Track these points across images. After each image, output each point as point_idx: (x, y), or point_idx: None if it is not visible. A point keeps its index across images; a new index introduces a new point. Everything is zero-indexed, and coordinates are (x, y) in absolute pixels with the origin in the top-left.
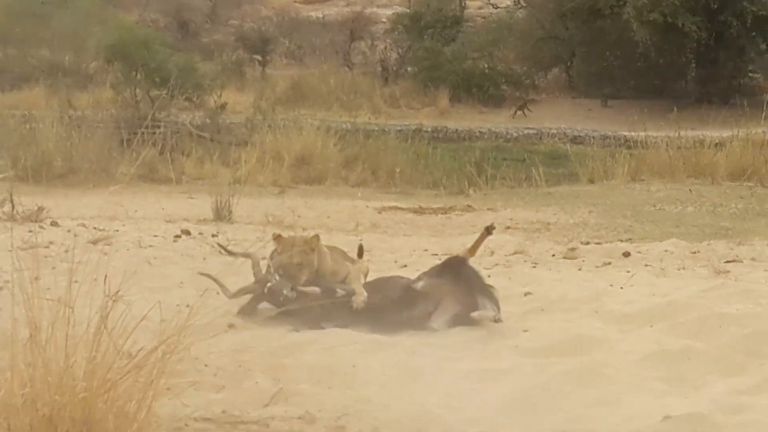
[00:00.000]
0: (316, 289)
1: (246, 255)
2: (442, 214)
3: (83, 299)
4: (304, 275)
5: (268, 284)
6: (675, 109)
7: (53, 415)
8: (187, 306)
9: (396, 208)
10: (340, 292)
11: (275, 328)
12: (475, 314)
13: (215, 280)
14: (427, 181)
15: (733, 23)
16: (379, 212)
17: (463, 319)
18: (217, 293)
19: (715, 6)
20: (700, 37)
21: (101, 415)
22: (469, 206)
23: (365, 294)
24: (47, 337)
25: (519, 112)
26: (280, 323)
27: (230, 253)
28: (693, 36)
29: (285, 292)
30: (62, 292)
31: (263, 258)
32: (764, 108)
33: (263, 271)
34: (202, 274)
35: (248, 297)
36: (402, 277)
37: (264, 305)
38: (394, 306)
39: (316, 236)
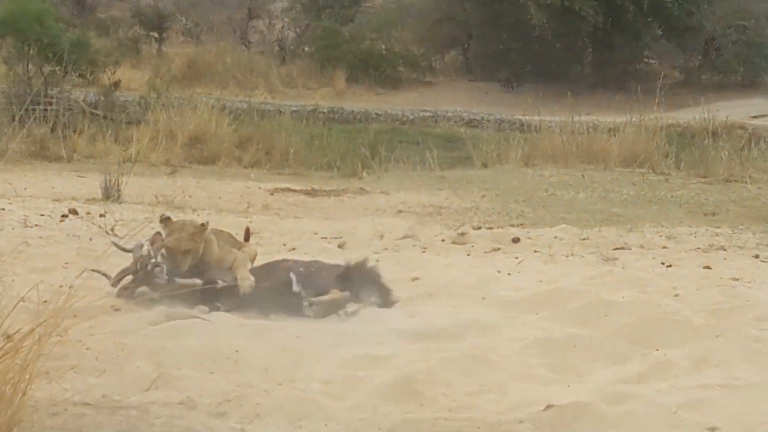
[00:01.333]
0: (197, 281)
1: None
2: (334, 196)
3: None
4: (187, 262)
5: (147, 266)
6: (569, 93)
7: None
8: (70, 287)
9: (288, 189)
10: (221, 283)
11: (159, 311)
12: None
13: (103, 274)
14: (321, 162)
15: (630, 8)
16: (272, 194)
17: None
18: (103, 275)
19: None
20: (596, 21)
21: None
22: (362, 189)
23: (252, 279)
24: None
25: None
26: (164, 306)
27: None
28: (589, 20)
29: (158, 278)
30: None
31: (146, 239)
32: (658, 94)
33: (144, 252)
34: (93, 270)
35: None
36: (290, 261)
37: (142, 289)
38: (277, 291)
39: (205, 225)
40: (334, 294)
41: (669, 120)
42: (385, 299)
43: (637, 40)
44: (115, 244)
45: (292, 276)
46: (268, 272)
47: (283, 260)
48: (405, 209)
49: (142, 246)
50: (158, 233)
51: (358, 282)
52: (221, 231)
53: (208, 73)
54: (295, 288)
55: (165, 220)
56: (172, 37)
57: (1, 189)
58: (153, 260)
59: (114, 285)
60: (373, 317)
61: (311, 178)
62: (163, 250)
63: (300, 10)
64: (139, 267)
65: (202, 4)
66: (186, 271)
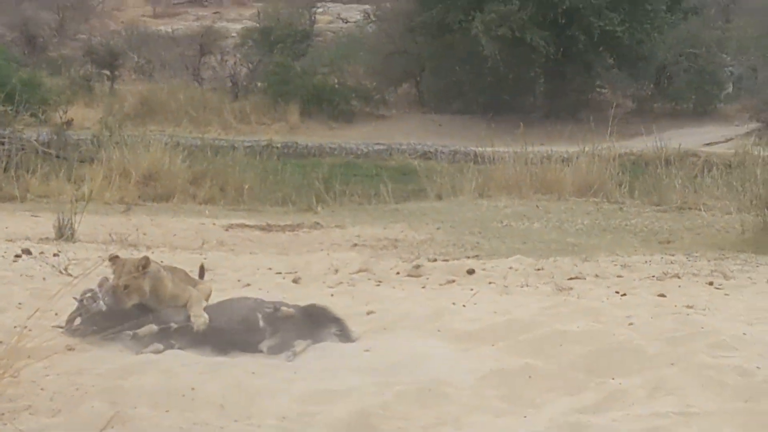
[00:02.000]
0: (153, 327)
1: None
2: (289, 231)
3: None
4: (131, 299)
5: (81, 300)
6: (522, 124)
7: None
8: (24, 328)
9: (243, 225)
10: (173, 326)
11: (114, 350)
12: (296, 344)
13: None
14: (276, 197)
15: (581, 38)
16: (226, 230)
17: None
18: (56, 314)
19: (563, 21)
20: (548, 51)
21: None
22: (317, 223)
23: (206, 317)
24: None
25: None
26: (119, 345)
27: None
28: (541, 51)
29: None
30: None
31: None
32: (610, 123)
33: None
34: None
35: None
36: (248, 299)
37: (78, 321)
38: (232, 329)
39: (145, 258)
40: (285, 311)
41: (622, 149)
42: (346, 334)
43: (588, 69)
44: (75, 298)
45: (258, 315)
46: (227, 309)
47: (244, 298)
48: (360, 243)
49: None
50: (105, 277)
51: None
52: (175, 268)
53: (161, 110)
54: (261, 324)
55: (113, 259)
56: (124, 75)
57: None
58: (89, 293)
59: (67, 327)
60: (328, 352)
61: (266, 214)
62: (108, 292)
63: (252, 46)
64: (78, 300)
65: (153, 41)
66: (133, 308)
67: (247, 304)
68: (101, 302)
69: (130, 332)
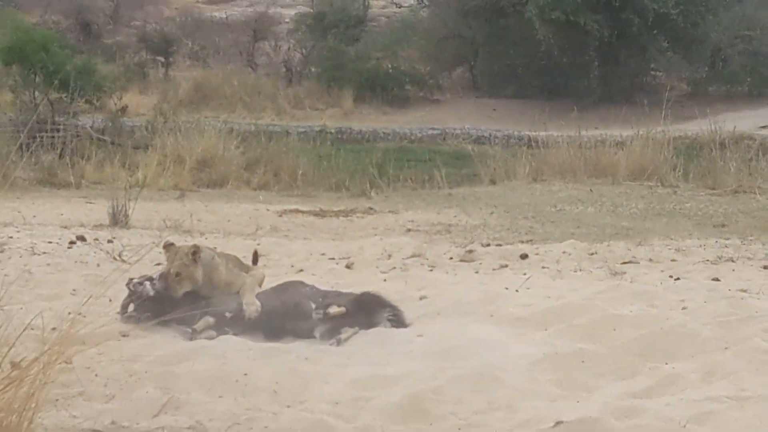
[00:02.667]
0: (210, 320)
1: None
2: (343, 216)
3: None
4: (183, 287)
5: (131, 287)
6: (576, 108)
7: None
8: (78, 314)
9: (297, 211)
10: (228, 315)
11: (167, 336)
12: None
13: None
14: (330, 183)
15: (635, 21)
16: (280, 215)
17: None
18: (110, 300)
19: (617, 4)
20: (602, 35)
21: None
22: (371, 209)
23: (258, 304)
24: None
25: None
26: (172, 331)
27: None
28: (595, 34)
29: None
30: None
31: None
32: (665, 107)
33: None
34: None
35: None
36: (304, 284)
37: (131, 307)
38: (287, 314)
39: (195, 246)
40: (335, 309)
41: (676, 132)
42: (399, 320)
43: (643, 53)
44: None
45: (312, 304)
46: (281, 293)
47: (300, 283)
48: (413, 228)
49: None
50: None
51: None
52: (228, 255)
53: (215, 96)
54: (315, 316)
55: (167, 246)
56: (178, 61)
57: (10, 217)
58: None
59: (121, 314)
60: (381, 338)
61: (319, 199)
62: (160, 280)
63: (305, 31)
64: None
65: (207, 27)
66: (186, 295)
67: (301, 291)
68: (148, 286)
69: (189, 329)
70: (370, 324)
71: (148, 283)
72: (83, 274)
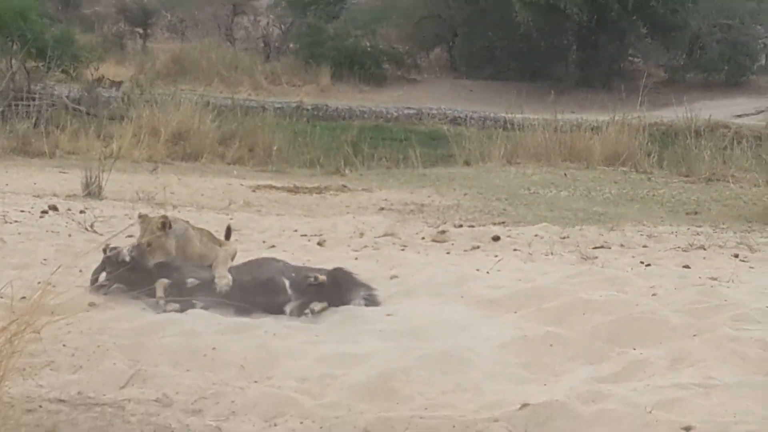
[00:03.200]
0: (165, 281)
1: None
2: (316, 193)
3: None
4: (155, 257)
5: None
6: (553, 92)
7: None
8: (47, 284)
9: (271, 186)
10: (190, 281)
11: (136, 308)
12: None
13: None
14: (304, 160)
15: (615, 6)
16: (254, 190)
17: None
18: (80, 271)
19: None
20: (581, 19)
21: None
22: (345, 186)
23: (229, 278)
24: None
25: None
26: (141, 303)
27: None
28: (574, 18)
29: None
30: None
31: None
32: (642, 93)
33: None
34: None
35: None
36: (276, 260)
37: (102, 275)
38: (257, 290)
39: (164, 216)
40: (319, 306)
41: (652, 119)
42: (373, 300)
43: (621, 38)
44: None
45: (285, 281)
46: (253, 268)
47: (272, 259)
48: (387, 207)
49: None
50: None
51: (344, 284)
52: (202, 228)
53: (192, 69)
54: (289, 292)
55: (142, 217)
56: (156, 33)
57: None
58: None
59: (92, 283)
60: (351, 316)
61: (294, 175)
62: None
63: (285, 7)
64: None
65: (187, 1)
66: (158, 265)
67: (273, 266)
68: (124, 251)
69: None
70: (342, 302)
71: (124, 249)
72: (54, 244)
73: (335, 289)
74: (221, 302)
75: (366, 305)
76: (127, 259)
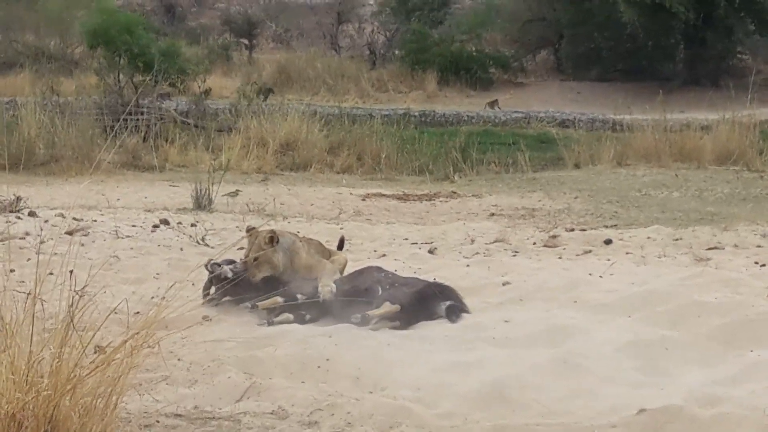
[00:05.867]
0: (279, 300)
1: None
2: (426, 200)
3: (57, 292)
4: (261, 272)
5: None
6: (661, 91)
7: (16, 413)
8: (162, 298)
9: (380, 194)
10: (300, 298)
11: (250, 320)
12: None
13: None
14: (413, 166)
15: (721, 3)
16: (363, 199)
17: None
18: (193, 284)
19: None
20: (687, 17)
21: (66, 412)
22: (454, 192)
23: (332, 287)
24: (14, 332)
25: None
26: (255, 316)
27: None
28: (681, 16)
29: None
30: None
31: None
32: (751, 90)
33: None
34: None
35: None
36: (379, 269)
37: (212, 290)
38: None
39: (272, 231)
40: (387, 307)
41: (763, 116)
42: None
43: (729, 35)
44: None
45: (379, 288)
46: (356, 279)
47: (376, 269)
48: (497, 212)
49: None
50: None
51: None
52: (311, 239)
53: (298, 78)
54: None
55: (250, 231)
56: (262, 44)
57: (94, 200)
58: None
59: (203, 296)
60: (463, 323)
61: (403, 183)
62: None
63: (389, 14)
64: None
65: (291, 10)
66: (264, 280)
67: (373, 276)
68: (226, 268)
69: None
70: (427, 315)
71: (227, 266)
72: (166, 258)
73: (421, 303)
74: (326, 313)
75: (448, 318)
76: (230, 275)
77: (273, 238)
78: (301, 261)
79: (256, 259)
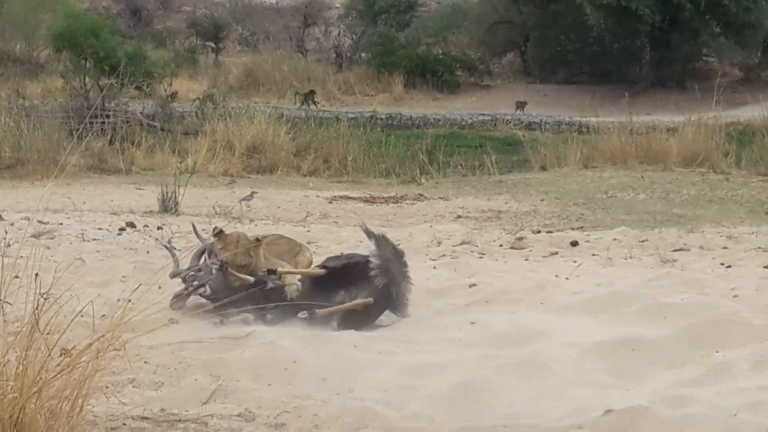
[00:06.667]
0: (250, 279)
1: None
2: (393, 203)
3: (22, 295)
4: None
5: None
6: (627, 94)
7: None
8: (129, 301)
9: (347, 197)
10: (270, 284)
11: (214, 323)
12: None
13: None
14: (380, 169)
15: (687, 6)
16: (330, 202)
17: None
18: (159, 287)
19: None
20: (653, 20)
21: (32, 415)
22: (421, 195)
23: (298, 284)
24: None
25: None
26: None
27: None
28: (646, 19)
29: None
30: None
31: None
32: (716, 92)
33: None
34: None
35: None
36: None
37: (191, 300)
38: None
39: (260, 240)
40: (356, 301)
41: (729, 118)
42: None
43: (695, 38)
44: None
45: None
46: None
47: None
48: (463, 214)
49: (201, 253)
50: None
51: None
52: (281, 236)
53: (265, 81)
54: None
55: (218, 234)
56: (228, 47)
57: (60, 203)
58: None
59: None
60: (430, 324)
61: (370, 185)
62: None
63: (356, 17)
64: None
65: (258, 13)
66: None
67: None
68: (207, 288)
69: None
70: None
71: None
72: (133, 261)
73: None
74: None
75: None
76: (209, 293)
77: (260, 245)
78: (260, 264)
79: (241, 265)
